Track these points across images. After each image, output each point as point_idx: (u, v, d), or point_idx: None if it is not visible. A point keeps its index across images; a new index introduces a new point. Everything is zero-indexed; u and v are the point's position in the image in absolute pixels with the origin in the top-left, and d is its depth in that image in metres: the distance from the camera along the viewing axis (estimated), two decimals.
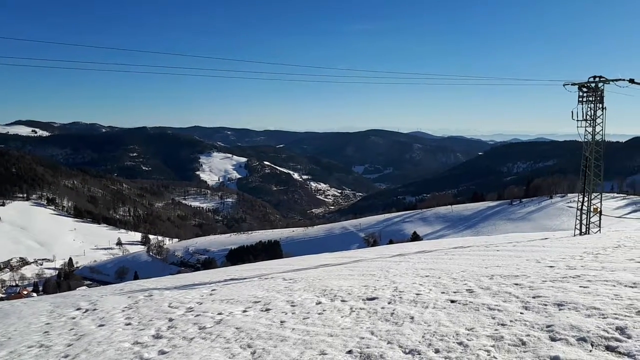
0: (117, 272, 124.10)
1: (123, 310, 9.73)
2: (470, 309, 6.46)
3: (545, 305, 6.12)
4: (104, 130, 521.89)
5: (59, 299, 14.25)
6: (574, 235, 27.39)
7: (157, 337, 7.01)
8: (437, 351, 4.86)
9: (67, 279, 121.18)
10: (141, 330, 7.57)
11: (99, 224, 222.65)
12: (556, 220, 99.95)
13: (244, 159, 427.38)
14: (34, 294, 76.87)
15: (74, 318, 9.46)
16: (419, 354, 4.83)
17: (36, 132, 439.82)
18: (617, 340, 4.53)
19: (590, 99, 26.26)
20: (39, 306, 12.15)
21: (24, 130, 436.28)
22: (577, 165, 29.00)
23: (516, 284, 7.96)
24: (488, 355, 4.57)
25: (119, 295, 12.75)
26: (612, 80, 25.82)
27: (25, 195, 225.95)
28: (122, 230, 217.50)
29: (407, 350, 5.00)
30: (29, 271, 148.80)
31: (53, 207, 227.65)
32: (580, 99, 26.41)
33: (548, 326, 5.16)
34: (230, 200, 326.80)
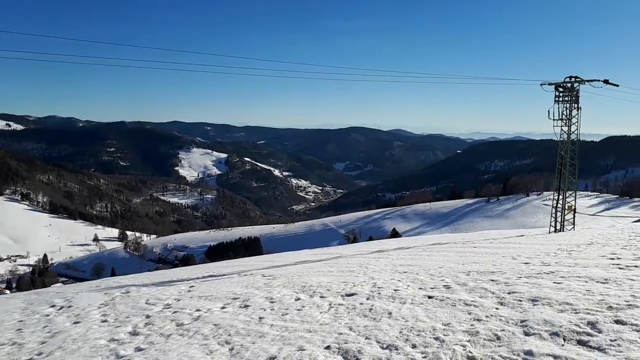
0: (94, 268, 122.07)
1: (99, 307, 9.59)
2: (447, 304, 6.55)
3: (520, 300, 6.23)
4: (81, 124, 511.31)
5: (33, 296, 13.98)
6: (549, 232, 27.93)
7: (134, 333, 6.93)
8: (414, 346, 4.92)
9: (41, 275, 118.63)
10: (117, 327, 7.47)
11: (75, 219, 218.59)
12: (532, 218, 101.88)
13: (224, 155, 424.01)
14: (7, 291, 75.13)
15: (48, 315, 9.29)
16: (396, 349, 4.88)
17: (10, 126, 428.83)
18: (588, 334, 4.64)
19: (566, 98, 26.80)
20: (12, 303, 11.89)
21: None
22: (553, 164, 29.57)
23: (492, 280, 8.09)
24: (464, 350, 4.64)
25: (95, 291, 12.55)
26: (588, 81, 26.38)
27: None
28: (99, 226, 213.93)
29: (384, 346, 5.04)
30: (2, 268, 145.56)
31: (27, 203, 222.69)
32: (557, 99, 26.93)
33: (522, 321, 5.26)
34: (209, 196, 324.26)
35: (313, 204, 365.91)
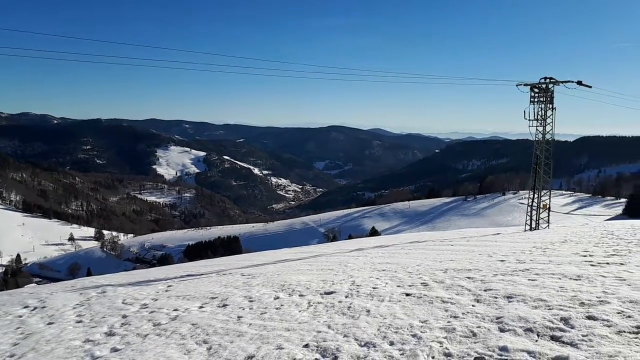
0: (69, 268, 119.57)
1: (74, 308, 9.41)
2: (425, 302, 6.62)
3: (496, 297, 6.34)
4: (55, 121, 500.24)
5: (5, 296, 13.63)
6: (525, 230, 28.43)
7: (110, 334, 6.83)
8: (391, 343, 4.96)
9: (14, 276, 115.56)
10: (93, 327, 7.35)
11: (50, 218, 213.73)
12: (508, 216, 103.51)
13: (202, 153, 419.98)
14: None
15: (20, 316, 9.07)
16: (374, 347, 4.91)
17: None
18: (561, 330, 4.74)
19: (542, 99, 27.28)
20: None
21: None
22: (528, 163, 30.10)
23: (469, 278, 8.20)
24: (440, 346, 4.70)
25: (70, 292, 12.31)
26: (562, 82, 26.90)
27: None
28: (75, 226, 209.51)
29: (362, 343, 5.07)
30: None
31: (0, 201, 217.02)
32: (532, 99, 27.39)
33: (498, 318, 5.35)
34: (188, 195, 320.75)
35: (293, 202, 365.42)
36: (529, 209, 29.58)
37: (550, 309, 5.47)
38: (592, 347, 4.24)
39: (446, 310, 5.99)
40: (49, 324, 8.04)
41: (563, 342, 4.45)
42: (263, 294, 8.88)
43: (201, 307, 8.14)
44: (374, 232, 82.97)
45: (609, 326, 4.71)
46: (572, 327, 4.78)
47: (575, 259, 9.61)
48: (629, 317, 4.91)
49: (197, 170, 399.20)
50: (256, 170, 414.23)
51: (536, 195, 29.29)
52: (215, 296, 9.19)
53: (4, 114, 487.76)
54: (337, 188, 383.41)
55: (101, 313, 8.51)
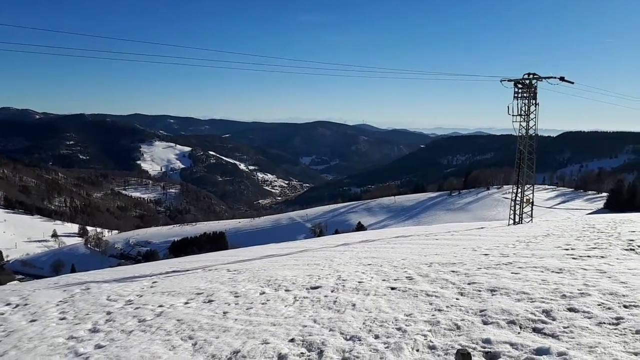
0: (53, 265, 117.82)
1: (57, 305, 9.30)
2: (410, 295, 6.67)
3: (480, 291, 6.41)
4: (37, 116, 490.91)
5: None
6: (508, 224, 28.76)
7: (94, 331, 6.77)
8: (376, 337, 5.00)
9: None
10: (77, 324, 7.28)
11: (32, 215, 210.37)
12: (492, 211, 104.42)
13: (187, 149, 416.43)
14: None
15: (2, 314, 8.93)
16: (360, 340, 4.94)
17: None
18: (543, 322, 4.83)
19: (525, 95, 27.56)
20: None
21: None
22: (512, 158, 30.43)
23: (453, 271, 8.29)
24: (425, 339, 4.75)
25: (53, 289, 12.16)
26: (545, 78, 27.21)
27: None
28: (58, 222, 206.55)
29: (348, 337, 5.10)
30: None
31: None
32: (516, 95, 27.67)
33: (481, 311, 5.42)
34: (173, 190, 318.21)
35: (279, 198, 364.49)
36: (513, 203, 29.93)
37: (532, 302, 5.55)
38: (573, 338, 4.33)
39: (431, 304, 6.05)
40: (32, 321, 7.94)
41: (545, 334, 4.53)
42: (249, 289, 8.87)
43: (187, 303, 8.10)
44: (360, 227, 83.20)
45: (589, 318, 4.80)
46: (554, 319, 4.86)
47: (558, 252, 9.75)
48: (609, 308, 5.01)
49: (183, 166, 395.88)
50: (242, 166, 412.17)
51: (520, 190, 29.63)
52: (201, 292, 9.16)
53: None
54: (323, 183, 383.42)
55: (85, 310, 8.43)
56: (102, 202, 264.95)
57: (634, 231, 12.77)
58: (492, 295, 6.10)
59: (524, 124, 28.11)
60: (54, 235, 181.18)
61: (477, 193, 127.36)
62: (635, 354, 3.90)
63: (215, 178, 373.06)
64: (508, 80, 27.72)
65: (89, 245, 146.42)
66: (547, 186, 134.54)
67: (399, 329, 5.15)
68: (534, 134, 28.54)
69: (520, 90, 27.52)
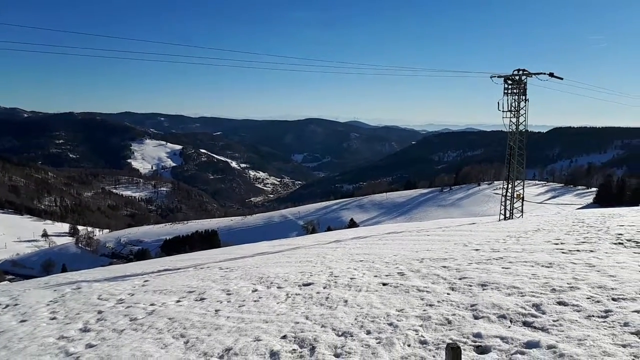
0: (43, 265, 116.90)
1: (48, 305, 9.23)
2: (401, 291, 6.70)
3: (470, 285, 6.45)
4: (26, 115, 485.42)
5: None
6: (499, 220, 28.96)
7: (85, 330, 6.73)
8: (368, 332, 5.01)
9: None
10: (67, 324, 7.23)
11: (22, 214, 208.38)
12: (483, 206, 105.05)
13: (178, 147, 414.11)
14: None
15: None
16: (352, 336, 4.96)
17: None
18: (533, 316, 4.87)
19: (515, 91, 27.71)
20: None
21: None
22: (502, 154, 30.61)
23: (444, 267, 8.32)
24: (416, 334, 4.77)
25: (43, 288, 12.07)
26: (534, 74, 27.34)
27: None
28: (48, 221, 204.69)
29: (340, 333, 5.11)
30: None
31: None
32: (506, 91, 27.81)
33: (472, 305, 5.45)
34: (164, 189, 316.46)
35: (271, 195, 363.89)
36: (504, 199, 30.13)
37: (523, 296, 5.59)
38: (563, 331, 4.37)
39: (422, 299, 6.07)
40: (22, 321, 7.88)
41: (535, 328, 4.57)
42: (241, 287, 8.85)
43: (178, 302, 8.08)
44: (352, 224, 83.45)
45: (578, 311, 4.84)
46: (544, 313, 4.91)
47: (548, 247, 9.83)
48: (598, 302, 5.06)
49: (174, 164, 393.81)
50: (234, 164, 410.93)
51: (510, 186, 29.82)
52: (193, 290, 9.13)
53: None
54: (315, 180, 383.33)
55: (76, 309, 8.38)
56: (92, 201, 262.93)
57: (622, 225, 12.89)
58: (483, 289, 6.14)
59: (514, 119, 28.27)
60: (45, 235, 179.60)
61: (468, 189, 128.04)
62: (624, 346, 3.94)
63: (207, 176, 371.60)
64: (498, 77, 27.85)
65: (80, 245, 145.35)
66: (537, 182, 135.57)
67: (390, 324, 5.17)
68: (524, 130, 28.72)
69: (510, 87, 27.66)
